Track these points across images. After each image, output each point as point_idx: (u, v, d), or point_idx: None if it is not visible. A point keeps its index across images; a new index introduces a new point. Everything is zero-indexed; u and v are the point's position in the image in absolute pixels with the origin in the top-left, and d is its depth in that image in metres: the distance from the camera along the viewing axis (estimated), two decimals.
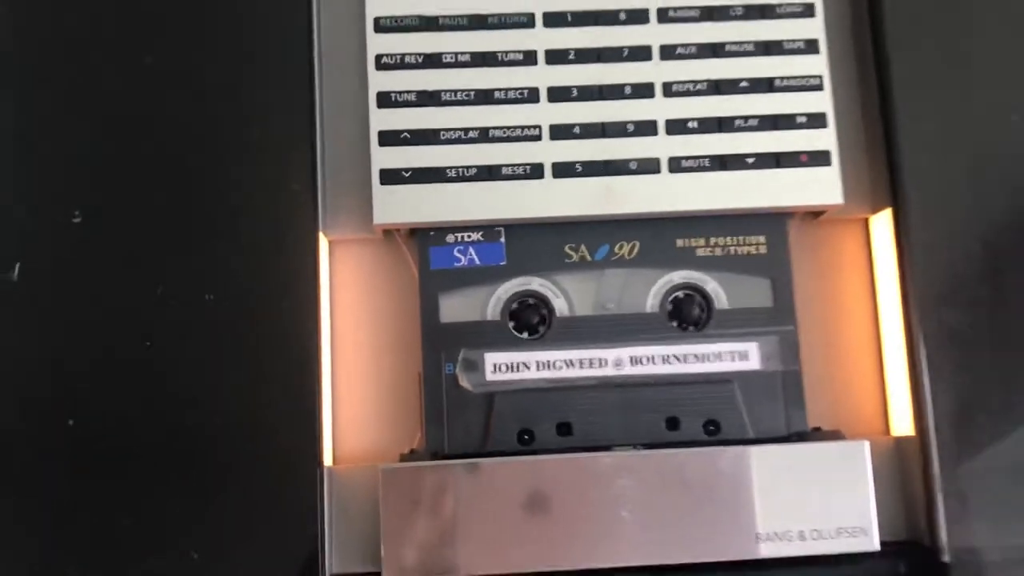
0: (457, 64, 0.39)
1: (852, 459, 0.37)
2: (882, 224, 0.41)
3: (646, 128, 0.39)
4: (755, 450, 0.37)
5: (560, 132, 0.39)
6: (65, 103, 0.39)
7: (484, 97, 0.39)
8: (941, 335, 0.39)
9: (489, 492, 0.36)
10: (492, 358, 0.39)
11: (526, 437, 0.39)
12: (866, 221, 0.42)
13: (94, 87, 0.39)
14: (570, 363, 0.39)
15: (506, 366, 0.39)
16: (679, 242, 0.40)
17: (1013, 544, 0.37)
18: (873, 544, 0.37)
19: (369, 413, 0.40)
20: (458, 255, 0.40)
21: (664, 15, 0.40)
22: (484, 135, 0.39)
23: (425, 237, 0.40)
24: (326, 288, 0.40)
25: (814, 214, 0.41)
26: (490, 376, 0.39)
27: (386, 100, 0.39)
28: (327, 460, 0.38)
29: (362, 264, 0.41)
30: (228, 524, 0.36)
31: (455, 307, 0.40)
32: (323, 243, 0.40)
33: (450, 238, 0.40)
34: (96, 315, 0.38)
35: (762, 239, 0.40)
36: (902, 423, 0.39)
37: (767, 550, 0.36)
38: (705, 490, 0.37)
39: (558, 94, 0.39)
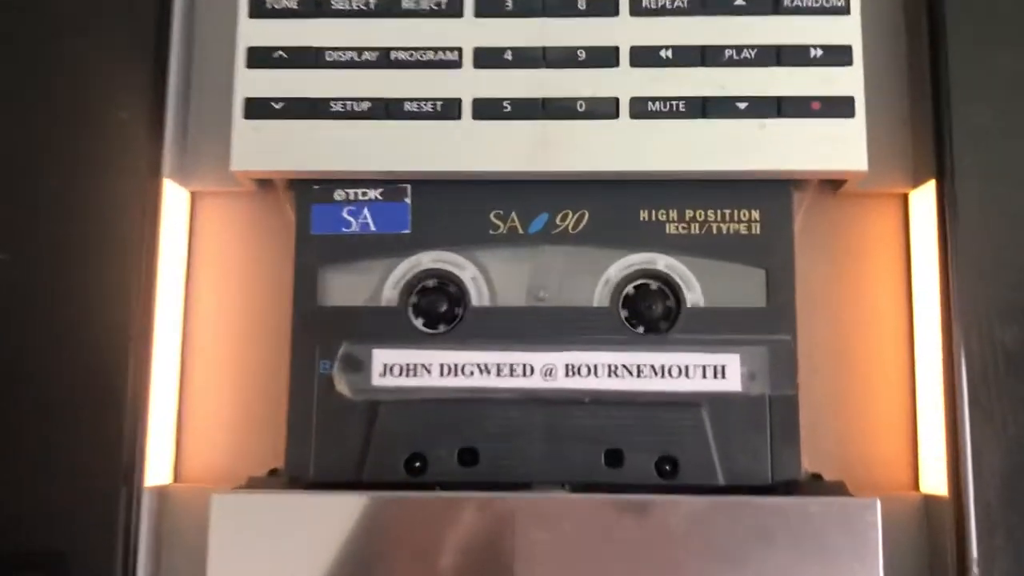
0: None
1: (858, 522, 0.27)
2: (923, 202, 0.30)
3: (602, 56, 0.30)
4: (724, 502, 0.27)
5: (487, 57, 0.30)
6: None
7: (386, 6, 0.30)
8: (990, 356, 0.29)
9: (356, 537, 0.27)
10: (382, 356, 0.30)
11: (417, 465, 0.30)
12: (904, 197, 0.32)
13: None
14: (485, 368, 0.30)
15: (400, 368, 0.30)
16: (642, 214, 0.31)
17: None
18: None
19: (232, 419, 0.31)
20: (348, 217, 0.31)
21: None
22: (385, 57, 0.30)
23: (306, 192, 0.31)
24: (179, 257, 0.31)
25: (832, 184, 0.31)
26: (377, 380, 0.30)
27: (259, 9, 0.30)
28: (160, 478, 0.30)
29: (230, 225, 0.32)
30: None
31: (340, 286, 0.31)
32: (178, 194, 0.31)
33: (339, 195, 0.31)
34: None
35: (756, 215, 0.31)
36: (934, 477, 0.30)
37: None
38: (650, 553, 0.27)
39: (486, 5, 0.30)
